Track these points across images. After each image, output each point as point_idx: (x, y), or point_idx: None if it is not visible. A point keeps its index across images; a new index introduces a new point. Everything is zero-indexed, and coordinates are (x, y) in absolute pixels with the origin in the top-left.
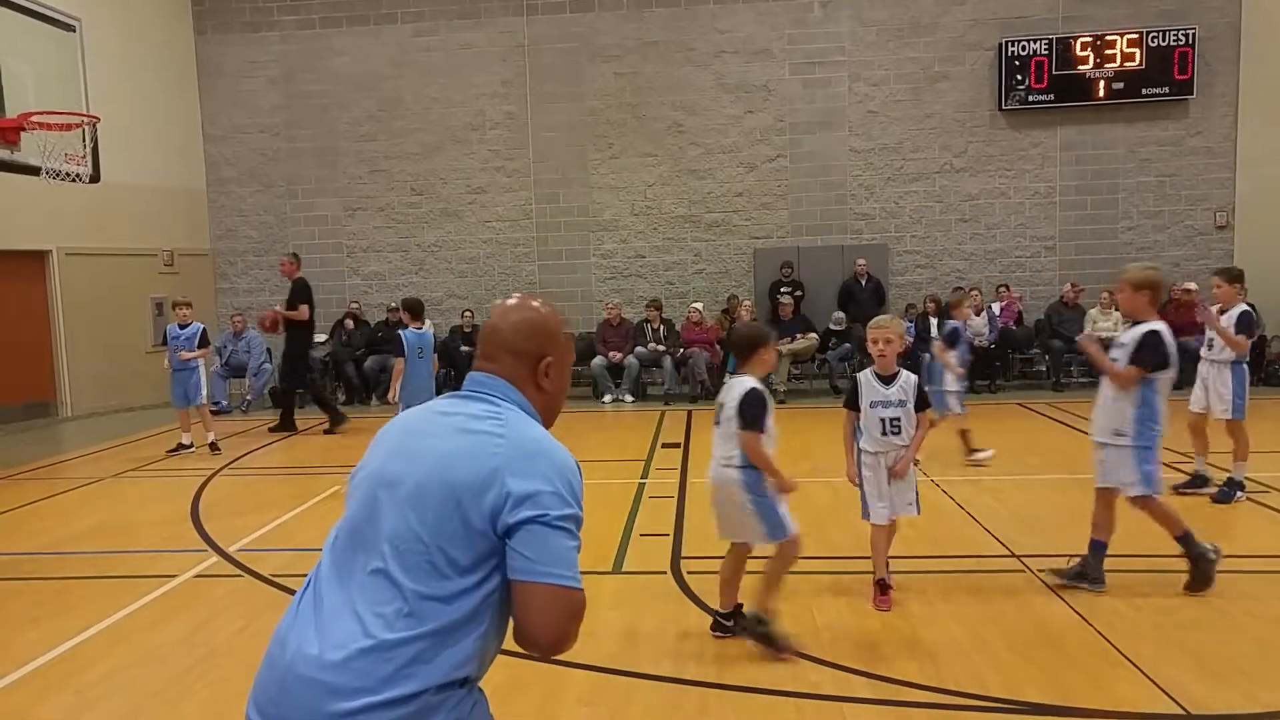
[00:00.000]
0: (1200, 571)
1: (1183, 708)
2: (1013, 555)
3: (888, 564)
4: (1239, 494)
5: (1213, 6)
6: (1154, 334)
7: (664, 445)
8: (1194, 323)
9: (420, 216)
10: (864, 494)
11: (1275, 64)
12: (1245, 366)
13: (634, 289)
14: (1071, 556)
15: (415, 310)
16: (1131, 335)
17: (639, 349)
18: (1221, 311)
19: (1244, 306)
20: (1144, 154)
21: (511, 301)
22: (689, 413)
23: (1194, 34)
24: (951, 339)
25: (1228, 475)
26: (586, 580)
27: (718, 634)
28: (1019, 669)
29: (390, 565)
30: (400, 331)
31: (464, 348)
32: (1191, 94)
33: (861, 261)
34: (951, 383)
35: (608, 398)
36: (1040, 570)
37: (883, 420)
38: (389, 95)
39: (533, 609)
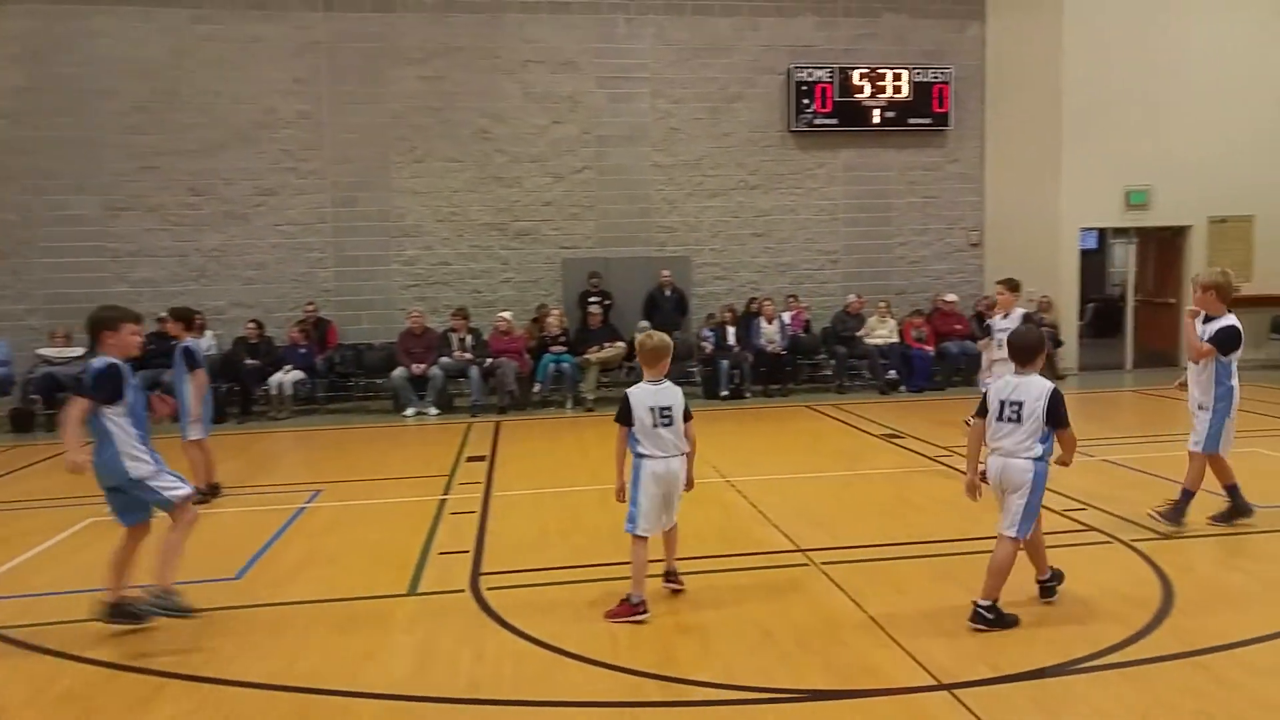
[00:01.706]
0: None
1: (936, 679)
2: (799, 550)
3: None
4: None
5: (964, 50)
6: (1232, 327)
7: (469, 459)
8: (953, 330)
9: (200, 219)
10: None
11: (1011, 104)
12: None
13: (439, 297)
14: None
15: (187, 320)
16: (1211, 328)
17: (444, 359)
18: (1005, 316)
19: (1023, 311)
20: (911, 177)
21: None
22: (496, 424)
23: (950, 73)
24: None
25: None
26: (378, 605)
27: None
28: (803, 659)
29: None
30: (187, 344)
31: (249, 361)
32: (949, 125)
33: (666, 273)
34: None
35: (410, 410)
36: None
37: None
38: (164, 85)
39: None
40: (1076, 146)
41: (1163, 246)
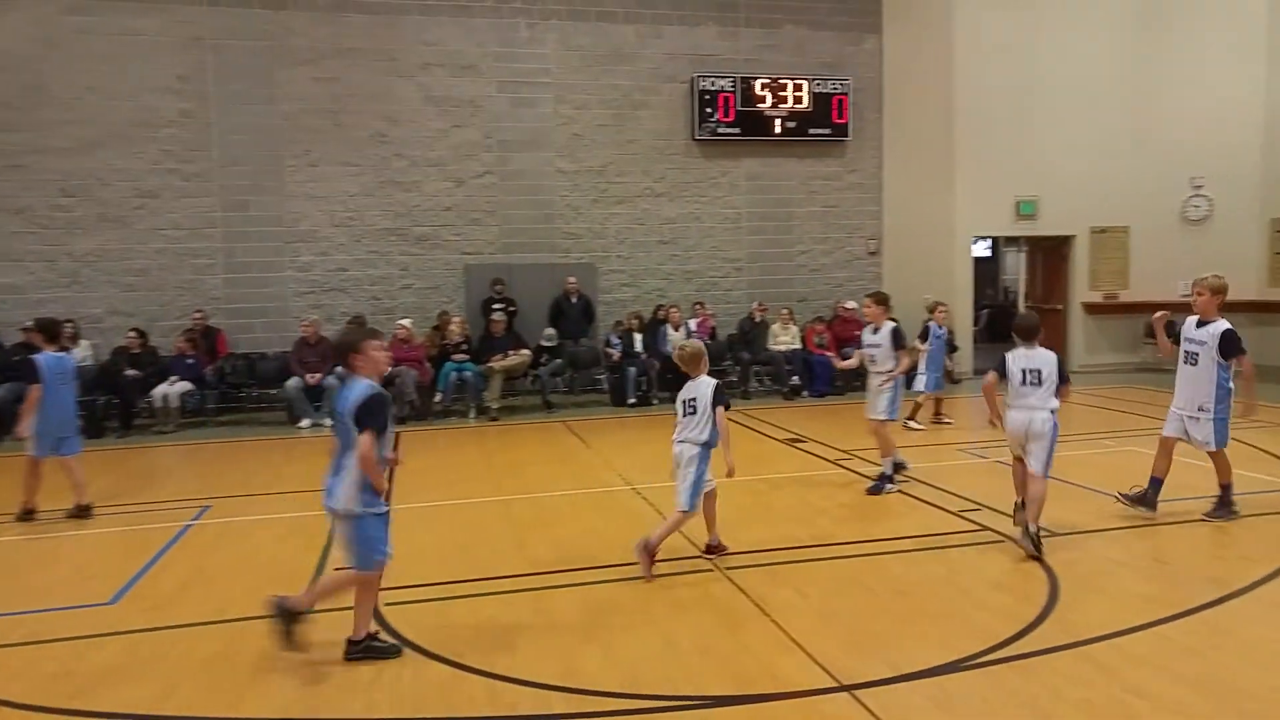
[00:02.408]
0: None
1: (837, 680)
2: (703, 556)
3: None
4: (889, 485)
5: (862, 62)
6: (1232, 331)
7: None
8: (852, 336)
9: (73, 221)
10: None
11: (907, 116)
12: (900, 376)
13: (335, 304)
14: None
15: (50, 331)
16: (1209, 332)
17: (340, 368)
18: (875, 330)
19: (892, 324)
20: (812, 187)
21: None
22: (396, 435)
23: (849, 85)
24: None
25: (879, 470)
26: (267, 624)
27: None
28: (706, 666)
29: None
30: (34, 356)
31: (130, 371)
32: (848, 136)
33: (572, 280)
34: None
35: (305, 422)
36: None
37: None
38: (30, 80)
39: None
40: (969, 158)
41: (1049, 255)
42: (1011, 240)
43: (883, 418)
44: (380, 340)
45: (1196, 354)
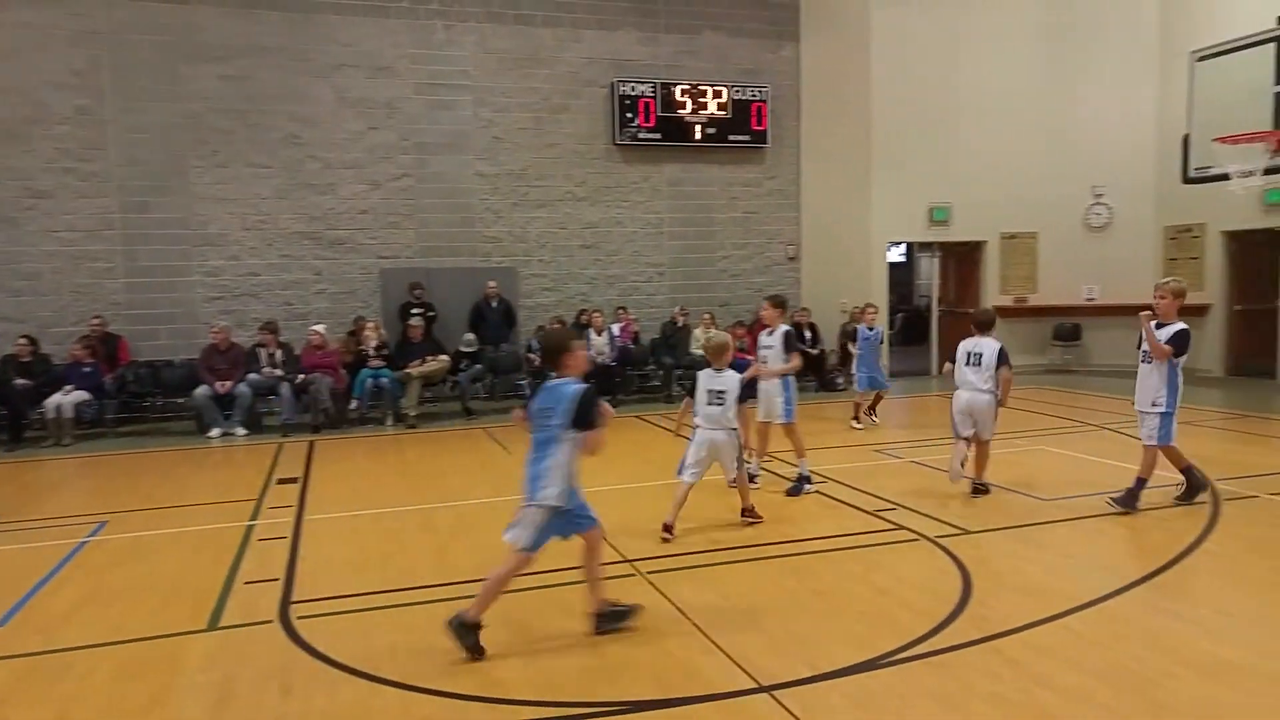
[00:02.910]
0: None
1: (757, 681)
2: (626, 561)
3: None
4: (807, 486)
5: (780, 70)
6: (1186, 330)
7: (280, 481)
8: None
9: None
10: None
11: (825, 124)
12: (792, 378)
13: (246, 310)
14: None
15: None
16: (1166, 332)
17: (252, 375)
18: (770, 333)
19: (786, 327)
20: (733, 192)
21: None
22: (310, 444)
23: (767, 92)
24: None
25: (797, 471)
26: (171, 644)
27: None
28: (627, 670)
29: None
30: None
31: (20, 381)
32: (766, 143)
33: (492, 284)
34: None
35: (215, 431)
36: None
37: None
38: None
39: None
40: (885, 165)
41: (962, 260)
42: (926, 246)
43: (782, 420)
44: (584, 340)
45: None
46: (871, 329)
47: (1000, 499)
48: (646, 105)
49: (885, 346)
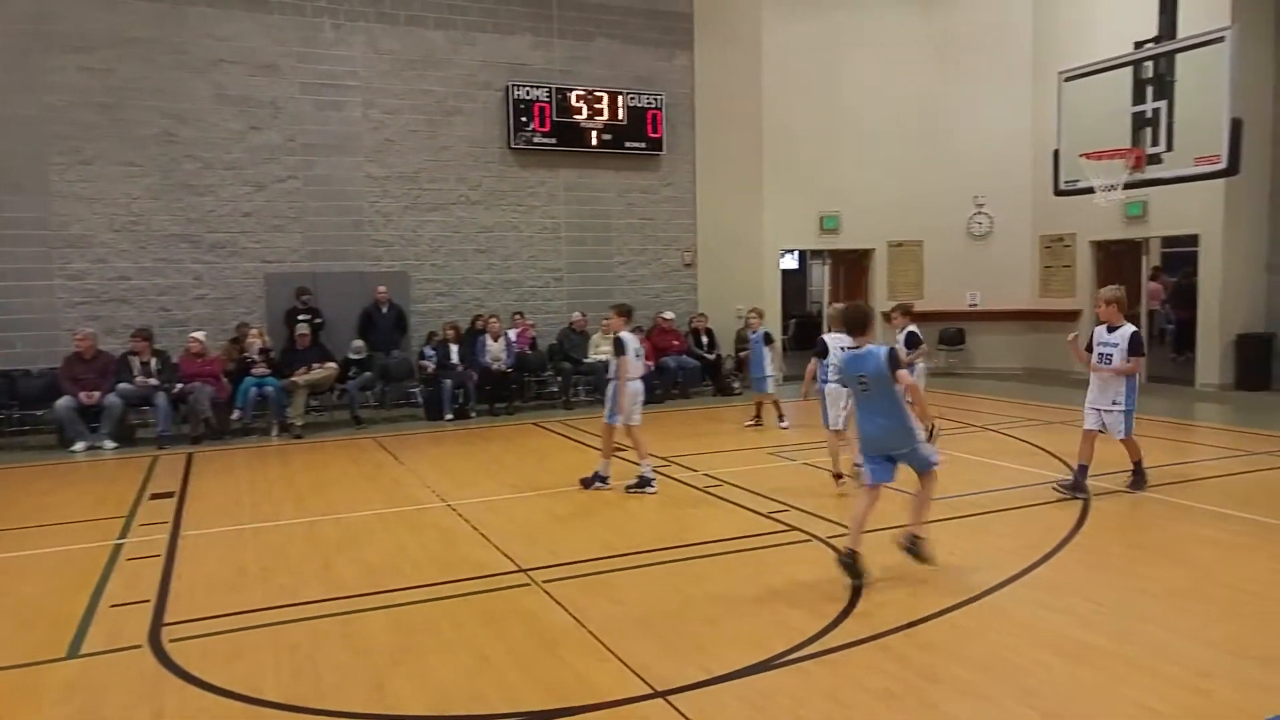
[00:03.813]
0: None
1: (652, 687)
2: (520, 570)
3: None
4: (648, 487)
5: (674, 78)
6: (1137, 333)
7: (153, 496)
8: (671, 346)
9: None
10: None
11: (719, 132)
12: (640, 383)
13: (116, 316)
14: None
15: None
16: (1120, 335)
17: (122, 385)
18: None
19: (620, 334)
20: (629, 199)
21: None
22: (189, 456)
23: (662, 100)
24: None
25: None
26: (25, 675)
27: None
28: (520, 680)
29: None
30: None
31: None
32: (662, 150)
33: (383, 289)
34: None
35: (80, 445)
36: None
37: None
38: None
39: None
40: (777, 174)
41: (852, 267)
42: (817, 253)
43: (607, 421)
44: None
45: (1110, 355)
46: (754, 332)
47: (887, 498)
48: (541, 110)
49: (778, 350)
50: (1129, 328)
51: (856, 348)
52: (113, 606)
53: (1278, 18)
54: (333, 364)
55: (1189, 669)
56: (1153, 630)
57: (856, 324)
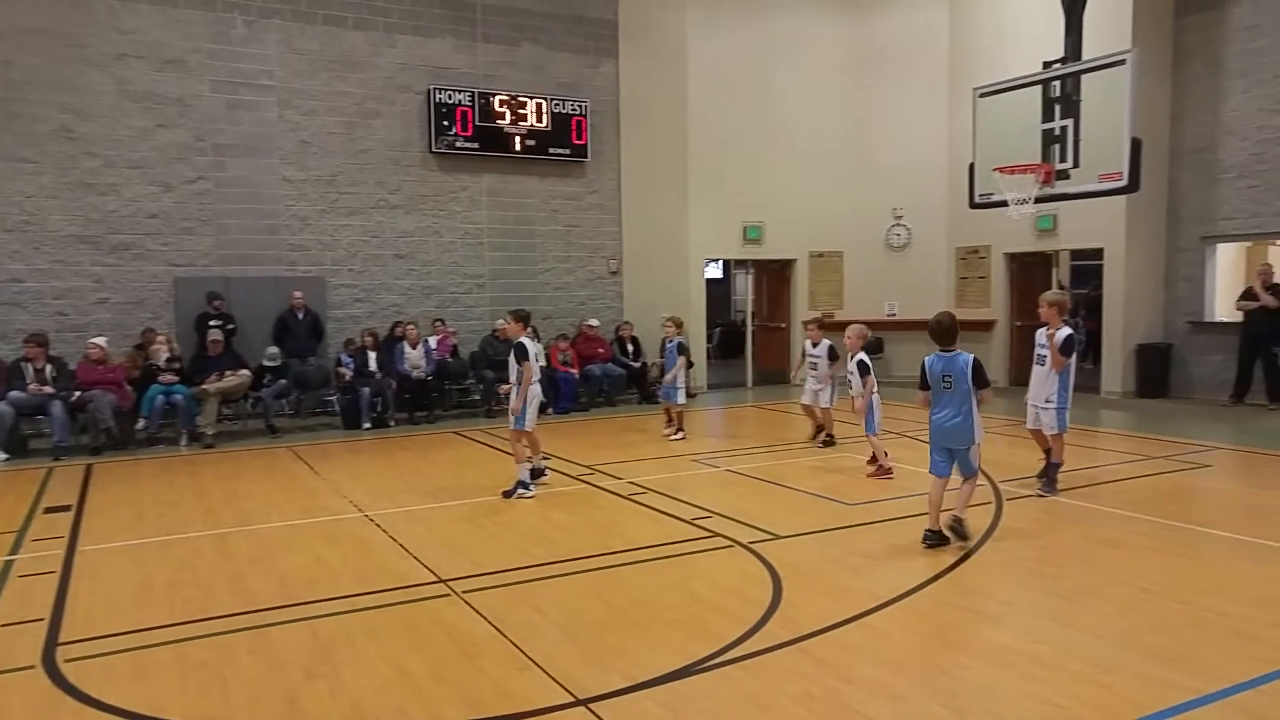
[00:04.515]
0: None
1: (574, 695)
2: (440, 580)
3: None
4: (520, 490)
5: (599, 85)
6: (1071, 335)
7: (48, 510)
8: (596, 354)
9: None
10: None
11: (644, 140)
12: (539, 386)
13: (9, 320)
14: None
15: None
16: (1057, 336)
17: (15, 393)
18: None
19: (518, 339)
20: (554, 205)
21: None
22: (88, 467)
23: (586, 106)
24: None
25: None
26: None
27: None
28: (439, 692)
29: None
30: None
31: None
32: (587, 157)
33: (298, 294)
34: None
35: None
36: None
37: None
38: None
39: None
40: (701, 183)
41: (774, 276)
42: (741, 263)
43: (515, 428)
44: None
45: (1045, 355)
46: (670, 340)
47: (808, 504)
48: (464, 114)
49: (704, 360)
50: (1065, 330)
51: (947, 353)
52: (2, 626)
53: (1175, 43)
54: (246, 371)
55: (1091, 665)
56: (1059, 629)
57: (947, 335)
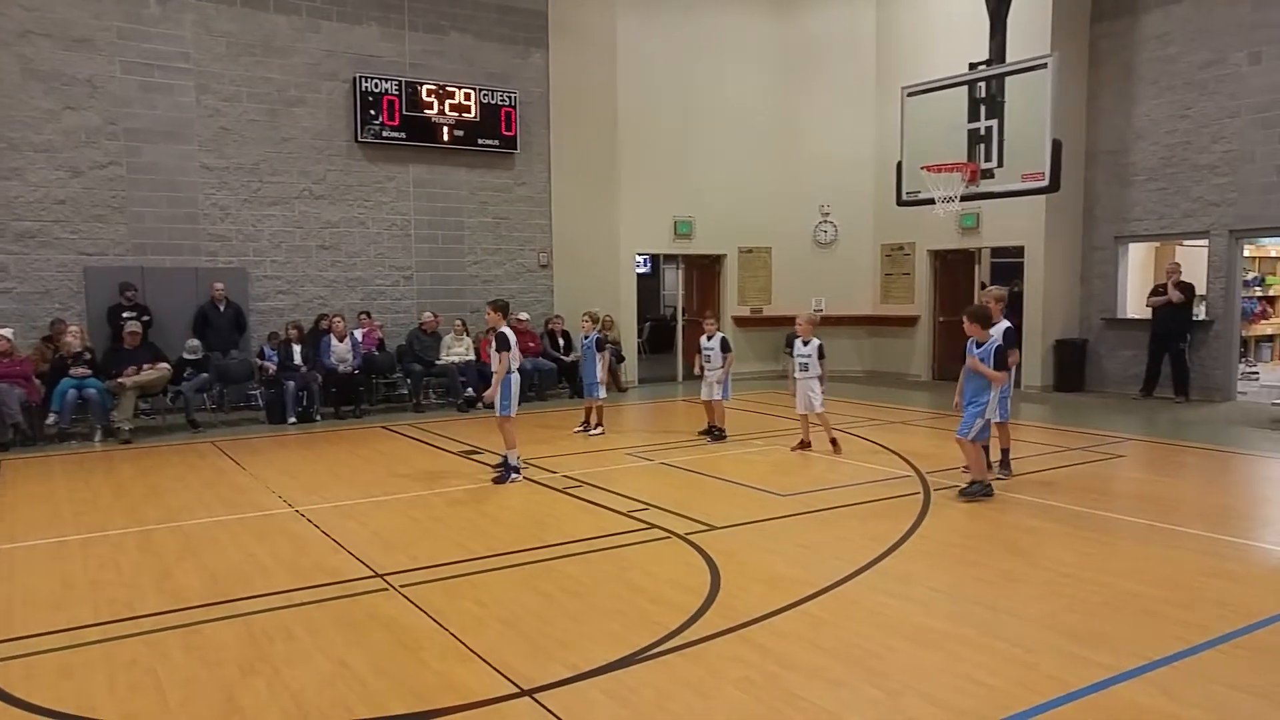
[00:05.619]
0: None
1: (518, 686)
2: (377, 575)
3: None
4: (514, 475)
5: (528, 76)
6: (1011, 327)
7: None
8: (527, 348)
9: None
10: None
11: (574, 132)
12: (513, 376)
13: None
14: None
15: None
16: (996, 330)
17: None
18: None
19: (499, 329)
20: (482, 197)
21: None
22: None
23: (516, 97)
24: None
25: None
26: None
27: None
28: (381, 686)
29: None
30: None
31: None
32: (516, 149)
33: (219, 286)
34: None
35: None
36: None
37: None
38: None
39: None
40: (632, 177)
41: (704, 272)
42: (671, 258)
43: (498, 415)
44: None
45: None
46: (587, 337)
47: (743, 495)
48: (391, 103)
49: (634, 354)
50: (1004, 324)
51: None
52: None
53: (1091, 48)
54: (165, 365)
55: (1016, 645)
56: (984, 612)
57: (984, 319)
